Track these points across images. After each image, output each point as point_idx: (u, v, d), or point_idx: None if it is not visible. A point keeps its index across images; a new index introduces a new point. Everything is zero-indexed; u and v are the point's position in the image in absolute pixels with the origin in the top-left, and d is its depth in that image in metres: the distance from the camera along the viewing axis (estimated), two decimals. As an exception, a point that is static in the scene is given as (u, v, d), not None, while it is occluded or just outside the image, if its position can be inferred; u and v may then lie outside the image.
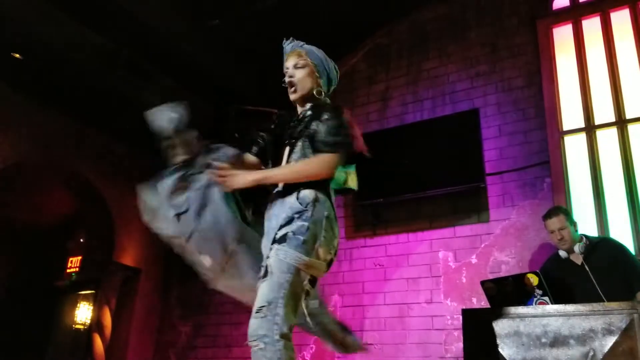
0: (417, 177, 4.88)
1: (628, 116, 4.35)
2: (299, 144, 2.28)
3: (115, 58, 5.09)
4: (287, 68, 2.41)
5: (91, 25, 4.79)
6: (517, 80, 4.88)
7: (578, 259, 3.43)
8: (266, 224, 2.25)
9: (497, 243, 4.49)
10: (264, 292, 2.01)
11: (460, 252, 4.63)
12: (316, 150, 2.24)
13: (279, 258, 2.05)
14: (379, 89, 5.65)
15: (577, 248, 3.41)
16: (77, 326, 6.89)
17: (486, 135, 4.79)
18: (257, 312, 1.97)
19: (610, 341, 2.41)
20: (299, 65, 2.39)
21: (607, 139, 4.41)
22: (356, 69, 5.88)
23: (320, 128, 2.25)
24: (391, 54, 5.71)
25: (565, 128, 4.56)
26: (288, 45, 2.47)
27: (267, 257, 2.09)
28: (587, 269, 3.32)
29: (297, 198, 2.15)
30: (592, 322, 2.48)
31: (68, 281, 7.09)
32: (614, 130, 4.38)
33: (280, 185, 2.26)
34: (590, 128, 4.47)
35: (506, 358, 2.59)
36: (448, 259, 4.66)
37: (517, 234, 4.44)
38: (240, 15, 5.07)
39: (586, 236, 3.53)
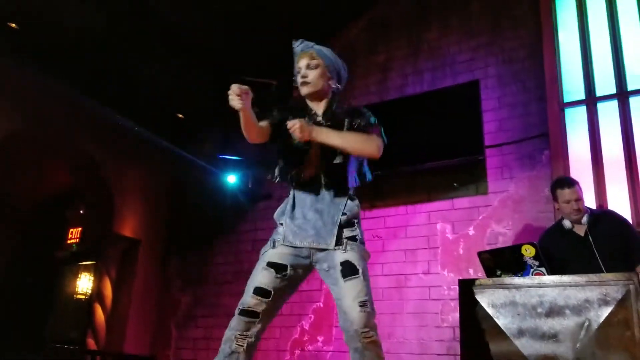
0: (416, 150, 4.87)
1: (630, 88, 4.32)
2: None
3: (113, 28, 5.04)
4: (300, 68, 2.48)
5: (88, -5, 4.73)
6: (518, 52, 4.83)
7: (581, 231, 3.40)
8: (309, 216, 2.36)
9: (495, 215, 4.51)
10: (361, 287, 2.20)
11: (458, 224, 4.65)
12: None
13: (360, 256, 2.29)
14: (379, 60, 5.60)
15: (584, 220, 3.38)
16: (78, 296, 6.95)
17: (486, 107, 4.77)
18: (362, 306, 2.16)
19: (605, 312, 2.44)
20: (311, 66, 2.47)
21: (608, 111, 4.38)
22: (356, 40, 5.83)
23: (359, 120, 2.48)
24: (392, 24, 5.65)
25: (565, 100, 4.53)
26: (299, 46, 2.53)
27: (343, 252, 2.28)
28: (591, 240, 3.31)
29: (353, 203, 2.42)
30: (588, 293, 2.50)
31: (68, 252, 7.13)
32: (614, 103, 4.36)
33: (323, 182, 2.40)
34: (591, 100, 4.45)
35: (502, 327, 2.62)
36: (446, 231, 4.69)
37: (514, 206, 4.45)
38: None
39: (589, 208, 3.50)
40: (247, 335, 2.23)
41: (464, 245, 4.56)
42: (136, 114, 6.20)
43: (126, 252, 6.35)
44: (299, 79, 2.48)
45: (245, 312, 2.25)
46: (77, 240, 7.05)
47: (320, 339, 4.94)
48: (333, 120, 2.46)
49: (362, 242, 2.37)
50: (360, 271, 2.23)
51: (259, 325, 2.26)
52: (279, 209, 2.49)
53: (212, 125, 6.10)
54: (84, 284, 6.96)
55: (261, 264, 2.33)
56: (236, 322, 2.25)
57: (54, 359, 5.66)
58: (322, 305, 5.08)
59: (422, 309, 4.57)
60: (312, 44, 2.53)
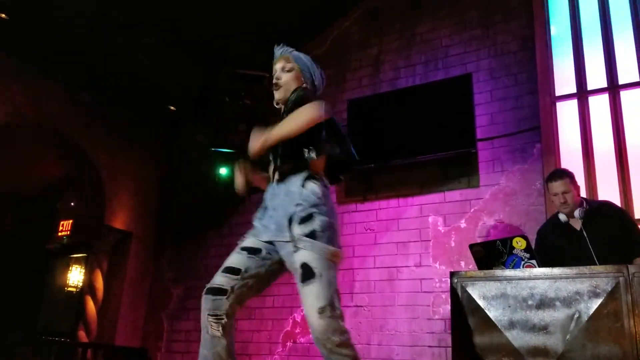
0: (408, 143, 4.89)
1: (621, 82, 4.35)
2: None
3: (103, 18, 5.00)
4: (275, 71, 2.52)
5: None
6: (511, 45, 4.84)
7: (577, 224, 3.37)
8: (270, 213, 2.31)
9: (486, 208, 4.53)
10: (318, 291, 2.07)
11: (449, 217, 4.67)
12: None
13: (319, 256, 2.12)
14: (371, 53, 5.60)
15: (577, 213, 3.34)
16: (69, 289, 6.92)
17: (478, 101, 4.78)
18: (320, 313, 2.05)
19: (595, 303, 2.46)
20: (286, 69, 2.50)
21: (599, 105, 4.41)
22: (348, 33, 5.82)
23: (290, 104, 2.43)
24: (384, 17, 5.64)
25: (557, 93, 4.55)
26: (278, 50, 2.58)
27: (296, 251, 2.14)
28: (585, 234, 3.28)
29: (309, 190, 2.24)
30: (579, 285, 2.52)
31: (59, 244, 7.10)
32: (605, 96, 4.38)
33: (276, 176, 2.35)
34: (582, 94, 4.47)
35: (492, 319, 2.64)
36: (437, 224, 4.70)
37: (506, 199, 4.47)
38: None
39: (587, 200, 3.47)
40: (219, 316, 2.18)
41: (455, 238, 4.57)
42: (128, 106, 6.18)
43: (118, 244, 6.33)
44: (273, 81, 2.52)
45: (210, 290, 2.21)
46: (68, 232, 7.02)
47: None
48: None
49: (323, 237, 2.16)
50: (316, 274, 2.09)
51: (228, 302, 2.19)
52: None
53: (204, 118, 6.08)
54: (75, 276, 6.93)
55: (235, 250, 2.34)
56: (204, 302, 2.21)
57: (45, 351, 5.64)
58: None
59: (413, 302, 4.59)
60: (291, 49, 2.56)
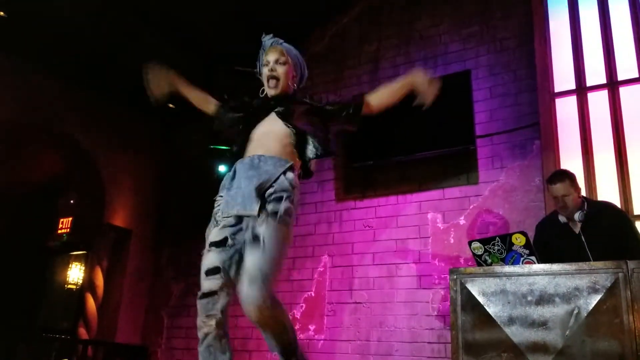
0: (407, 140, 4.88)
1: (620, 78, 4.35)
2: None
3: (103, 17, 4.99)
4: (268, 62, 2.53)
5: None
6: (509, 41, 4.84)
7: (576, 227, 3.34)
8: (239, 185, 2.32)
9: (486, 204, 4.53)
10: (259, 262, 2.12)
11: (448, 214, 4.67)
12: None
13: (274, 234, 2.18)
14: (370, 50, 5.59)
15: (577, 216, 3.30)
16: (69, 286, 6.93)
17: (477, 98, 4.78)
18: (253, 282, 2.11)
19: (594, 299, 2.47)
20: (280, 62, 2.53)
21: (598, 101, 4.41)
22: (347, 29, 5.81)
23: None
24: (383, 14, 5.64)
25: (556, 90, 4.55)
26: (268, 40, 2.60)
27: (255, 225, 2.20)
28: (584, 239, 3.26)
29: (286, 178, 2.30)
30: (578, 281, 2.53)
31: (59, 242, 7.11)
32: (604, 93, 4.38)
33: (262, 152, 2.38)
34: (581, 90, 4.47)
35: (492, 315, 2.64)
36: (437, 221, 4.71)
37: (505, 196, 4.47)
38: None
39: (588, 201, 3.42)
40: (213, 315, 2.26)
41: (454, 234, 4.58)
42: (127, 104, 6.18)
43: (117, 241, 6.34)
44: (266, 72, 2.53)
45: (203, 296, 2.31)
46: (68, 230, 7.03)
47: (311, 327, 4.96)
48: (285, 107, 2.51)
49: (284, 221, 2.23)
50: (264, 245, 2.15)
51: (221, 300, 2.28)
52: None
53: (203, 115, 6.07)
54: (75, 273, 6.94)
55: (206, 247, 2.41)
56: (199, 308, 2.31)
57: (46, 349, 5.65)
58: (313, 294, 5.09)
59: (413, 298, 4.59)
60: (281, 40, 2.60)
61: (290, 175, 2.33)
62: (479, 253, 3.01)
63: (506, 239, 2.93)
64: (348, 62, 5.66)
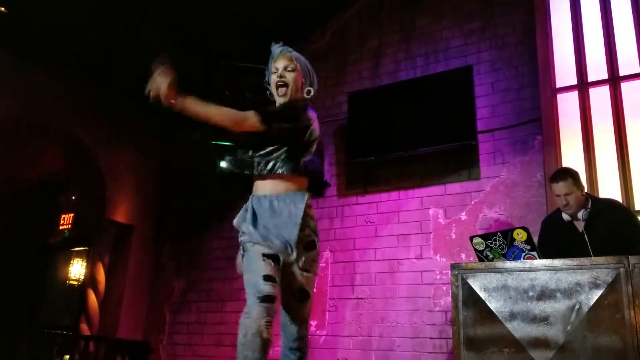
0: (408, 135, 4.88)
1: (622, 73, 4.34)
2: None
3: (104, 13, 4.99)
4: (277, 69, 2.55)
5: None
6: (511, 37, 4.83)
7: (580, 226, 3.32)
8: (271, 229, 2.37)
9: (487, 200, 4.53)
10: (309, 309, 2.50)
11: (450, 209, 4.67)
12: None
13: (312, 281, 2.50)
14: (371, 46, 5.58)
15: (580, 214, 3.29)
16: (71, 282, 6.94)
17: (478, 93, 4.77)
18: (303, 327, 2.46)
19: (596, 295, 2.47)
20: (289, 69, 2.55)
21: (600, 97, 4.40)
22: (348, 26, 5.80)
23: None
24: (384, 9, 5.63)
25: (558, 85, 4.54)
26: (278, 47, 2.63)
27: (298, 273, 2.42)
28: (587, 238, 3.24)
29: (311, 216, 2.45)
30: (579, 276, 2.53)
31: (61, 238, 7.12)
32: (606, 88, 4.38)
33: (270, 185, 2.44)
34: (583, 85, 4.46)
35: (493, 311, 2.65)
36: (438, 216, 4.71)
37: (506, 191, 4.47)
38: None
39: (592, 199, 3.40)
40: (271, 322, 2.23)
41: (456, 230, 4.58)
42: (128, 100, 6.17)
43: (119, 237, 6.34)
44: (275, 79, 2.55)
45: (266, 298, 2.23)
46: (70, 226, 7.04)
47: (313, 323, 4.97)
48: None
49: (316, 264, 2.50)
50: (310, 296, 2.47)
51: (275, 308, 2.31)
52: None
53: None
54: (77, 269, 6.95)
55: (258, 256, 2.37)
56: (261, 309, 2.21)
57: (47, 345, 5.67)
58: (315, 290, 5.09)
59: (414, 294, 4.60)
60: (290, 48, 2.64)
61: (311, 211, 2.52)
62: (481, 248, 3.02)
63: (507, 234, 2.93)
64: (349, 59, 5.65)
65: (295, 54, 2.62)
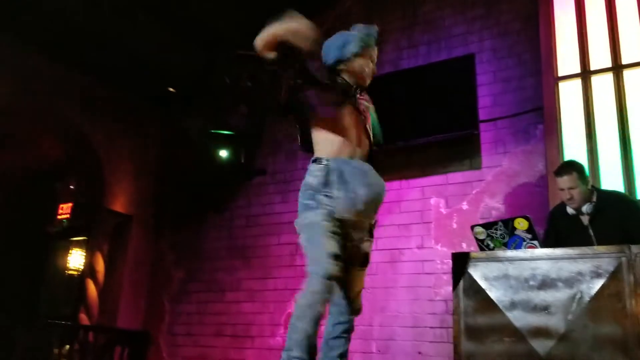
0: (410, 124, 4.84)
1: (624, 62, 4.29)
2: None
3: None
4: (373, 58, 2.64)
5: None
6: (514, 25, 4.78)
7: (585, 219, 3.29)
8: (364, 191, 2.44)
9: (489, 189, 4.50)
10: (363, 281, 2.50)
11: (451, 199, 4.64)
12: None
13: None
14: (372, 33, 5.52)
15: (585, 208, 3.25)
16: (70, 272, 6.92)
17: (480, 82, 4.73)
18: (357, 296, 2.49)
19: (597, 284, 2.44)
20: (375, 59, 2.66)
21: (603, 85, 4.35)
22: (351, 12, 5.75)
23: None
24: (386, -4, 5.58)
25: (560, 74, 4.49)
26: (376, 32, 2.70)
27: (367, 239, 2.51)
28: (592, 232, 3.21)
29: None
30: (581, 266, 2.50)
31: (59, 227, 7.09)
32: (609, 76, 4.33)
33: (363, 153, 2.60)
34: (585, 74, 4.41)
35: (494, 300, 2.62)
36: (439, 206, 4.68)
37: (508, 181, 4.44)
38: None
39: (598, 190, 3.36)
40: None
41: (457, 219, 4.55)
42: (127, 88, 6.14)
43: (118, 227, 6.33)
44: (372, 67, 2.63)
45: (332, 278, 2.25)
46: (68, 215, 7.00)
47: (313, 313, 4.96)
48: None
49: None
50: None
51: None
52: None
53: (204, 99, 6.03)
54: (76, 259, 6.93)
55: (326, 233, 2.34)
56: (326, 287, 2.26)
57: (46, 335, 5.66)
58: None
59: (415, 283, 4.58)
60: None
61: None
62: (482, 238, 2.99)
63: (509, 223, 2.90)
64: (350, 46, 5.60)
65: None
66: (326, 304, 2.29)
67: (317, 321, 2.22)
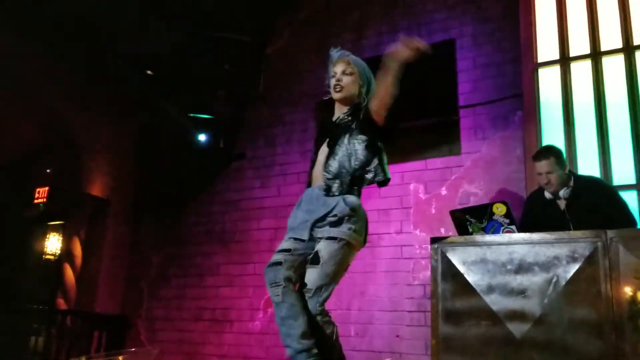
0: (389, 110, 4.82)
1: (603, 48, 4.32)
2: (345, 138, 2.72)
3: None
4: (336, 73, 2.71)
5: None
6: (494, 10, 4.78)
7: (562, 204, 3.34)
8: (305, 209, 2.67)
9: (467, 175, 4.53)
10: (315, 277, 2.45)
11: (430, 184, 4.67)
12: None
13: (330, 251, 2.48)
14: (354, 18, 5.49)
15: (562, 193, 3.30)
16: (47, 257, 6.85)
17: (460, 67, 4.74)
18: (306, 292, 2.46)
19: (573, 268, 2.48)
20: (346, 72, 2.71)
21: (581, 72, 4.39)
22: (331, -4, 5.70)
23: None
24: (367, -19, 5.53)
25: (540, 60, 4.52)
26: (336, 52, 2.78)
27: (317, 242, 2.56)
28: (569, 217, 3.25)
29: (345, 204, 2.64)
30: (557, 250, 2.53)
31: (36, 212, 6.99)
32: (588, 63, 4.36)
33: (321, 182, 2.72)
34: (564, 60, 4.44)
35: (472, 284, 2.65)
36: (419, 191, 4.70)
37: (486, 167, 4.47)
38: None
39: (575, 175, 3.41)
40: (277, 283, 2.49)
41: (436, 205, 4.58)
42: (104, 71, 6.02)
43: (95, 211, 6.26)
44: (333, 82, 2.69)
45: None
46: (44, 199, 6.90)
47: (292, 297, 4.97)
48: (341, 123, 2.72)
49: (347, 237, 2.61)
50: (322, 262, 2.48)
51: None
52: None
53: (183, 83, 5.95)
54: (53, 244, 6.86)
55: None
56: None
57: (24, 319, 5.61)
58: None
59: (394, 268, 4.61)
60: (348, 52, 2.78)
61: (351, 198, 2.80)
62: (460, 223, 3.01)
63: (487, 208, 2.93)
64: (332, 31, 5.56)
65: (352, 57, 2.74)
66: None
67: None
